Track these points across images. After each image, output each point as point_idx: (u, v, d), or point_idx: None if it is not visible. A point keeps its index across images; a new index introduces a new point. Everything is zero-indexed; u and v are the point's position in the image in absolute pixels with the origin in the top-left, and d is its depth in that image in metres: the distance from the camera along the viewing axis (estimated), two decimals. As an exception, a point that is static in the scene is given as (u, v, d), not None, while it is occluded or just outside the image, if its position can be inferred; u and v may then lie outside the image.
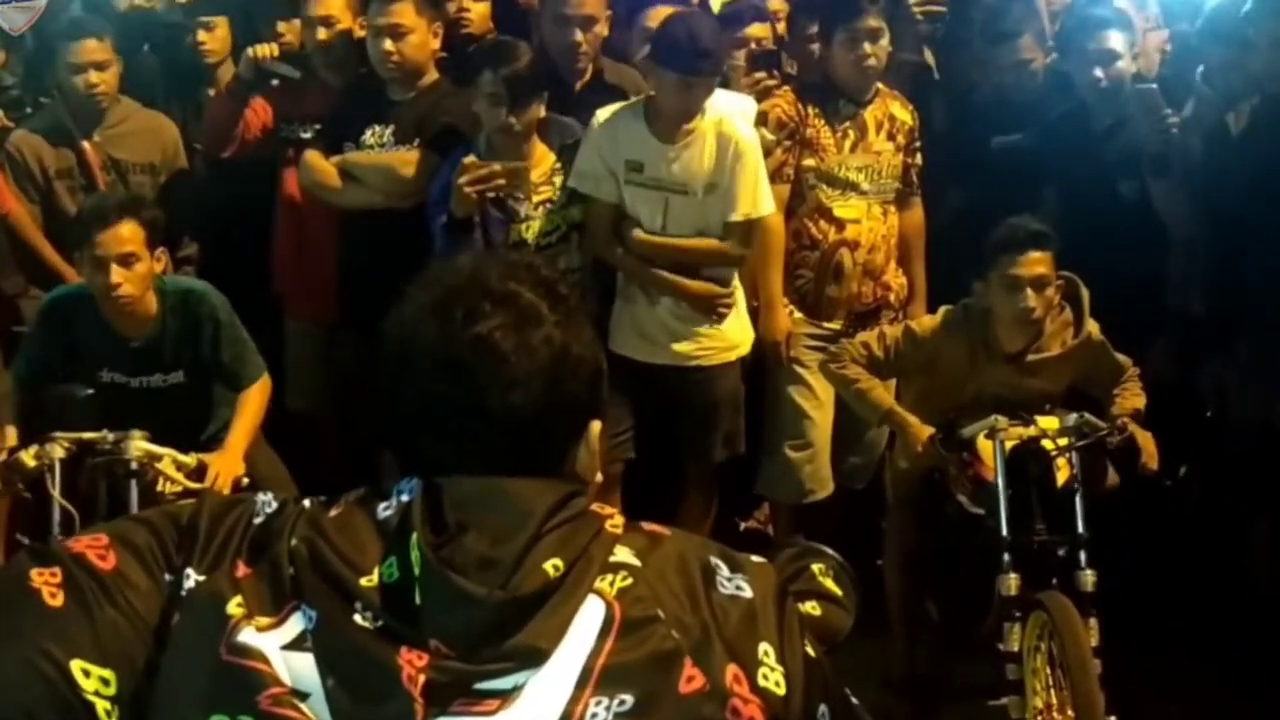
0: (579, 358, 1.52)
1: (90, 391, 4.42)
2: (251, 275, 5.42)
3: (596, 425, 1.57)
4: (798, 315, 5.17)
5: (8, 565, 1.52)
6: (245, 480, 4.33)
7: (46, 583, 1.44)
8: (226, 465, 4.30)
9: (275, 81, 5.41)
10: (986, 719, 4.41)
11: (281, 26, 5.73)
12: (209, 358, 4.52)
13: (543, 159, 4.89)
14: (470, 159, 4.71)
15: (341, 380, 5.18)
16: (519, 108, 4.72)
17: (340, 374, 5.19)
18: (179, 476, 4.14)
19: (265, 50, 5.35)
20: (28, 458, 4.05)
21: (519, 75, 4.70)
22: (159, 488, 4.11)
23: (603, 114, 4.87)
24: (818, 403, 5.17)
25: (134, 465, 4.10)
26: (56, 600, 1.43)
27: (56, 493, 4.03)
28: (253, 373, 4.59)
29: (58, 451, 4.06)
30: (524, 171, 4.73)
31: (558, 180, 4.89)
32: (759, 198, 4.87)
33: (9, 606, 1.44)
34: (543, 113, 4.84)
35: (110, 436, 4.13)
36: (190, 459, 4.21)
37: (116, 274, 4.28)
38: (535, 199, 4.85)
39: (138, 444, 4.11)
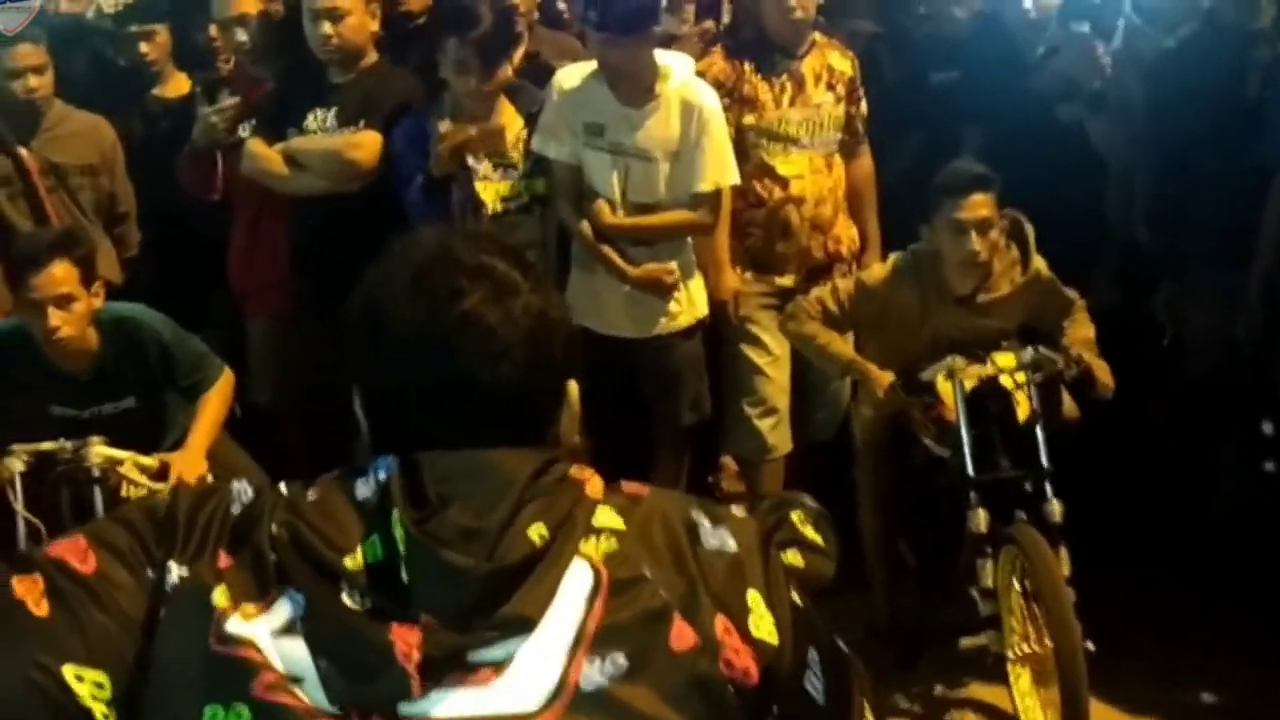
0: (555, 321, 1.55)
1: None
2: (207, 275, 5.40)
3: (573, 385, 1.59)
4: (747, 275, 5.15)
5: None
6: (209, 478, 4.27)
7: (29, 591, 1.43)
8: (189, 464, 4.25)
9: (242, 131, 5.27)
10: (967, 658, 4.45)
11: (214, 31, 5.68)
12: (163, 380, 4.43)
13: (512, 121, 4.85)
14: (446, 125, 4.69)
15: (303, 372, 5.15)
16: (488, 71, 4.70)
17: (301, 366, 5.15)
18: (142, 479, 4.10)
19: (217, 117, 5.24)
20: None
21: (485, 38, 4.67)
22: (124, 492, 4.05)
23: (564, 74, 4.82)
24: (773, 359, 5.15)
25: (96, 472, 4.05)
26: (42, 609, 1.42)
27: (20, 507, 3.97)
28: (212, 375, 4.52)
29: (17, 465, 3.99)
30: (500, 131, 4.71)
31: (524, 148, 4.85)
32: (727, 167, 4.83)
33: None
34: (510, 72, 4.80)
35: (69, 445, 4.07)
36: (152, 460, 4.16)
37: (55, 317, 4.17)
38: (494, 160, 4.81)
39: (98, 449, 4.06)
